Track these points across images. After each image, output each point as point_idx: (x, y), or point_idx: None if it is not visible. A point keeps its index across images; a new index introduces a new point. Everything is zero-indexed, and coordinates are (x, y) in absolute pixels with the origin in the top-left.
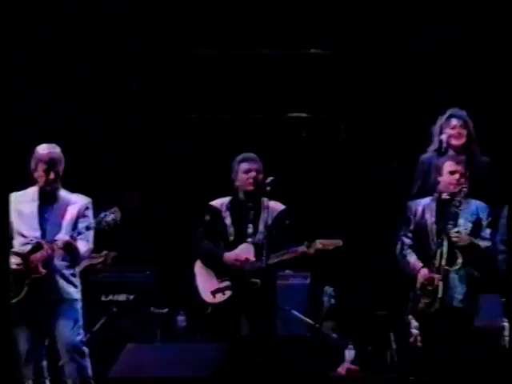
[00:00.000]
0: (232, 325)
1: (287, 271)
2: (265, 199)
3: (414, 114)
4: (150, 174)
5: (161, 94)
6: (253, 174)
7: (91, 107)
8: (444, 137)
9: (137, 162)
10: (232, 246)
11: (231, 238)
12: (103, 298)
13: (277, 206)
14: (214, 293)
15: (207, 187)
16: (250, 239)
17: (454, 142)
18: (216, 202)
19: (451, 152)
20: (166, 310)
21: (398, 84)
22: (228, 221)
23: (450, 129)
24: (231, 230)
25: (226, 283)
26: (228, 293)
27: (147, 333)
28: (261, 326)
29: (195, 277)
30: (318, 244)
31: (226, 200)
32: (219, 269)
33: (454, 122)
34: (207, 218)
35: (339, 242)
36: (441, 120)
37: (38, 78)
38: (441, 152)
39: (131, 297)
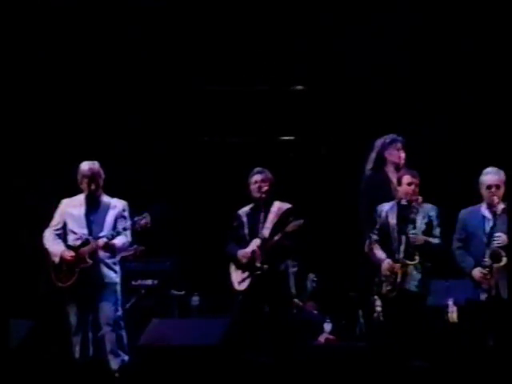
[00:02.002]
0: (255, 306)
1: (288, 261)
2: (277, 202)
3: (372, 136)
4: (174, 186)
5: (179, 120)
6: (258, 184)
7: (125, 132)
8: (391, 155)
9: (164, 176)
10: (248, 243)
11: (248, 238)
12: (133, 283)
13: (283, 205)
14: (239, 283)
15: (218, 198)
16: (260, 235)
17: (400, 160)
18: (240, 210)
19: (392, 168)
20: (183, 292)
21: (361, 113)
22: (245, 224)
23: (395, 150)
24: (246, 231)
25: (246, 274)
26: (248, 281)
27: (168, 310)
28: (277, 305)
29: (231, 274)
30: (289, 227)
31: (247, 208)
32: (239, 264)
33: (398, 144)
34: (234, 223)
35: (301, 221)
36: (383, 142)
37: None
38: (379, 168)
39: (155, 281)
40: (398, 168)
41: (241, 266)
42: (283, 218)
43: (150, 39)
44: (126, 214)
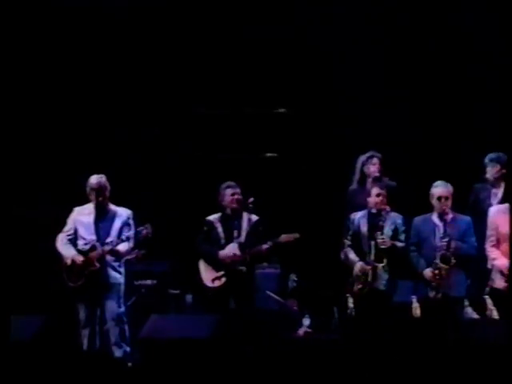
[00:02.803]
0: (225, 302)
1: (264, 264)
2: (245, 213)
3: (349, 154)
4: (172, 197)
5: (178, 139)
6: (236, 196)
7: (130, 152)
8: (368, 170)
9: (163, 188)
10: (223, 246)
11: (222, 241)
12: (135, 282)
13: (253, 217)
14: (213, 280)
15: (201, 208)
16: (235, 240)
17: (376, 174)
18: (211, 217)
19: (371, 181)
20: (178, 291)
21: (337, 133)
22: (220, 229)
23: (371, 165)
24: (222, 235)
25: (222, 272)
26: (223, 279)
27: (165, 307)
28: (244, 301)
29: (199, 271)
30: (283, 238)
31: (217, 215)
32: (216, 263)
33: (375, 160)
34: (205, 228)
35: (296, 235)
36: (362, 159)
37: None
38: (362, 182)
39: (154, 282)
40: (375, 181)
41: (217, 266)
42: (254, 228)
43: (147, 70)
44: (131, 221)
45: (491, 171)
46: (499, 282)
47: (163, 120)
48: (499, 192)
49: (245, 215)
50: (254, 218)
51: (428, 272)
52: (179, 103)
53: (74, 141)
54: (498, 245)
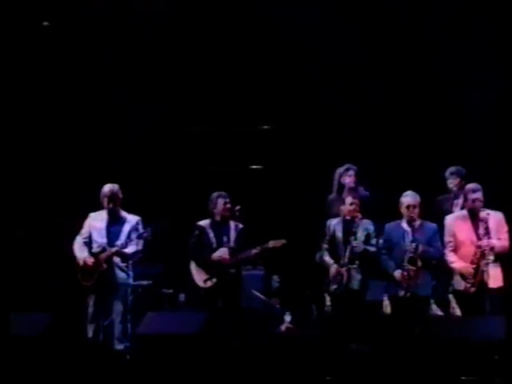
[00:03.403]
0: (215, 301)
1: (248, 266)
2: (231, 221)
3: (327, 166)
4: (168, 206)
5: (173, 153)
6: (227, 205)
7: (133, 165)
8: (345, 181)
9: (161, 199)
10: (214, 250)
11: (214, 245)
12: (133, 283)
13: (237, 224)
14: (205, 281)
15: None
16: (225, 245)
17: (351, 185)
18: (201, 222)
19: (347, 191)
20: (171, 290)
21: (316, 147)
22: (211, 235)
23: (348, 177)
24: (214, 240)
25: (212, 274)
26: (214, 280)
27: (160, 305)
28: (232, 300)
29: (191, 272)
30: (270, 244)
31: (207, 221)
32: (207, 265)
33: (351, 172)
34: (197, 233)
35: (283, 241)
36: (340, 171)
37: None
38: (340, 192)
39: (150, 282)
40: (350, 191)
41: (207, 268)
42: (240, 235)
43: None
44: (140, 227)
45: (453, 183)
46: (459, 284)
47: (161, 137)
48: (460, 202)
49: (232, 223)
50: (240, 225)
51: (398, 273)
52: (175, 122)
53: (86, 155)
54: (456, 250)
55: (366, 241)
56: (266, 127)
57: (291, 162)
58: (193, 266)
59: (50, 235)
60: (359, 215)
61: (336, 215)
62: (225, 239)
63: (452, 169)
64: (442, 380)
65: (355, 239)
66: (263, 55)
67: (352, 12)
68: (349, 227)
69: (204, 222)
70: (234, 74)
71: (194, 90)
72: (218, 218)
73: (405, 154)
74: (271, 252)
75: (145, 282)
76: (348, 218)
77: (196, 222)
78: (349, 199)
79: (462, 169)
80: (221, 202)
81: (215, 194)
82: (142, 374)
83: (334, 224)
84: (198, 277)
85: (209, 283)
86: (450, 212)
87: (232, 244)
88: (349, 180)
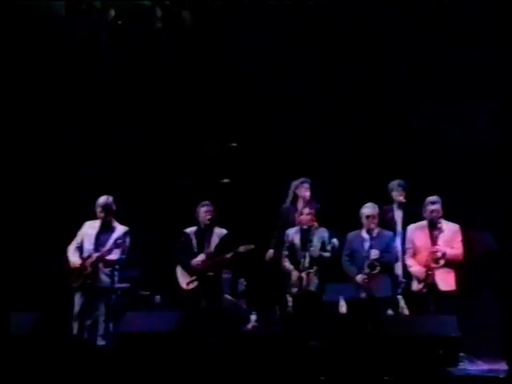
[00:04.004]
0: (197, 302)
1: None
2: (217, 227)
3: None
4: (145, 216)
5: (151, 168)
6: (209, 214)
7: (125, 183)
8: (300, 193)
9: (139, 210)
10: (195, 255)
11: (195, 251)
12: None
13: (222, 230)
14: (188, 283)
15: (172, 224)
16: (204, 251)
17: (306, 196)
18: (188, 230)
19: (301, 201)
20: (148, 292)
21: (277, 162)
22: (194, 241)
23: (304, 189)
24: (195, 246)
25: (194, 277)
26: (195, 283)
27: (137, 306)
28: (213, 301)
29: (177, 275)
30: (241, 249)
31: (193, 228)
32: (189, 269)
33: (306, 185)
34: (182, 239)
35: (252, 246)
36: (295, 183)
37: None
38: (293, 202)
39: (128, 285)
40: (304, 202)
41: (189, 271)
42: (223, 241)
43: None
44: (126, 236)
45: (397, 195)
46: (415, 286)
47: (141, 153)
48: (401, 212)
49: (216, 229)
50: (224, 231)
51: (359, 277)
52: (154, 140)
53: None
54: (414, 255)
55: (322, 247)
56: (233, 145)
57: (255, 175)
58: (178, 270)
59: (46, 240)
60: (315, 224)
61: (290, 224)
62: (206, 245)
63: (396, 182)
64: (392, 372)
65: (312, 246)
66: (231, 84)
67: (305, 36)
68: (306, 235)
69: (190, 230)
70: (205, 97)
71: (170, 112)
72: (202, 225)
73: (356, 168)
74: (242, 256)
75: (124, 285)
76: (305, 227)
77: (183, 230)
78: (306, 210)
79: (404, 182)
80: (202, 210)
81: (203, 203)
82: (122, 368)
83: (292, 233)
84: (183, 280)
85: (191, 285)
86: (394, 221)
87: (211, 250)
88: (305, 192)
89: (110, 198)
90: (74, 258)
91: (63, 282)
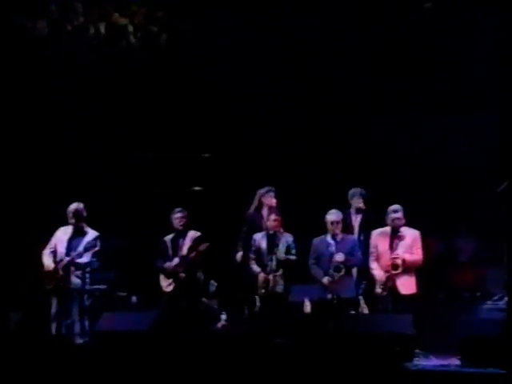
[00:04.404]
0: (176, 303)
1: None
2: (191, 231)
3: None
4: (121, 222)
5: (127, 176)
6: (182, 219)
7: (98, 188)
8: (266, 201)
9: (115, 215)
10: (171, 259)
11: (171, 256)
12: (91, 287)
13: (195, 233)
14: (167, 286)
15: (147, 230)
16: (178, 254)
17: (272, 204)
18: (166, 237)
19: (266, 208)
20: (125, 293)
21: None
22: (169, 247)
23: (270, 197)
24: (171, 251)
25: (171, 280)
26: (173, 285)
27: (114, 306)
28: (190, 301)
29: (160, 280)
30: (201, 247)
31: (171, 236)
32: (165, 273)
33: (272, 193)
34: (160, 246)
35: (208, 244)
36: (261, 192)
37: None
38: (258, 209)
39: (106, 286)
40: (270, 209)
41: (167, 275)
42: (195, 243)
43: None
44: (97, 241)
45: (356, 202)
46: (377, 289)
47: (118, 162)
48: (358, 217)
49: (190, 233)
50: (197, 234)
51: (325, 279)
52: (130, 150)
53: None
54: (377, 260)
55: (287, 251)
56: (206, 155)
57: (226, 183)
58: (160, 276)
59: (24, 246)
60: (281, 229)
61: (256, 229)
62: (180, 250)
63: (355, 190)
64: (352, 367)
65: (278, 250)
66: (206, 100)
67: (270, 49)
68: (272, 240)
69: (168, 237)
70: (180, 110)
71: (147, 124)
72: (176, 230)
73: (317, 177)
74: (203, 254)
75: (101, 287)
76: (271, 232)
77: (163, 237)
78: (272, 216)
79: (363, 190)
80: (175, 216)
81: (176, 210)
82: (100, 365)
83: (259, 238)
84: (163, 283)
85: (169, 288)
86: (352, 225)
87: (184, 253)
88: (271, 200)
89: (81, 205)
90: (47, 262)
91: (40, 284)
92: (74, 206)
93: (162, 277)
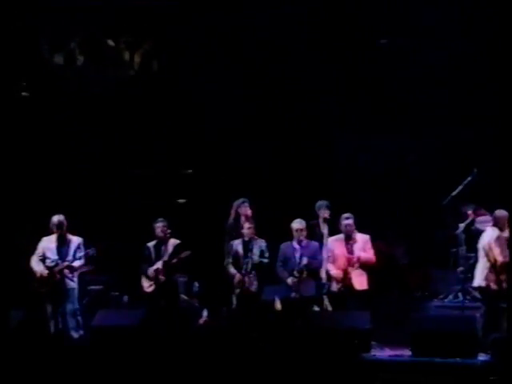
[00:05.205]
0: (157, 302)
1: (178, 274)
2: (172, 239)
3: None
4: (111, 229)
5: (115, 190)
6: (164, 229)
7: (83, 200)
8: (241, 211)
9: (104, 222)
10: (153, 264)
11: (153, 261)
12: (88, 288)
13: (176, 241)
14: (148, 287)
15: (134, 238)
16: (161, 259)
17: (247, 214)
18: (149, 244)
19: (243, 219)
20: (117, 293)
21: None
22: (152, 253)
23: (245, 208)
24: (153, 256)
25: (152, 282)
26: (153, 287)
27: (108, 304)
28: (170, 301)
29: (142, 282)
30: (182, 255)
31: (154, 242)
32: (148, 276)
33: (246, 204)
34: (145, 252)
35: (189, 252)
36: (237, 203)
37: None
38: (237, 219)
39: (101, 287)
40: (246, 218)
41: (149, 278)
42: (176, 250)
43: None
44: (82, 246)
45: (323, 212)
46: (335, 286)
47: (108, 178)
48: (326, 226)
49: (171, 241)
50: (177, 241)
51: (290, 280)
52: (120, 167)
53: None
54: (333, 262)
55: (261, 255)
56: (188, 171)
57: (207, 196)
58: (142, 278)
59: (15, 252)
60: (255, 236)
61: (234, 236)
62: (162, 256)
63: (322, 202)
64: (317, 358)
65: (252, 254)
66: (190, 121)
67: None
68: (247, 245)
69: (151, 243)
70: (166, 132)
71: (137, 144)
72: (158, 239)
73: (286, 190)
74: (184, 260)
75: (97, 287)
76: (246, 238)
77: (146, 244)
78: (247, 225)
79: (329, 203)
80: (157, 226)
81: (159, 220)
82: (95, 357)
83: (236, 244)
84: (145, 284)
85: (150, 289)
86: (320, 233)
87: (165, 258)
88: (246, 211)
89: (62, 216)
90: (39, 268)
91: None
92: (56, 218)
93: (143, 278)
